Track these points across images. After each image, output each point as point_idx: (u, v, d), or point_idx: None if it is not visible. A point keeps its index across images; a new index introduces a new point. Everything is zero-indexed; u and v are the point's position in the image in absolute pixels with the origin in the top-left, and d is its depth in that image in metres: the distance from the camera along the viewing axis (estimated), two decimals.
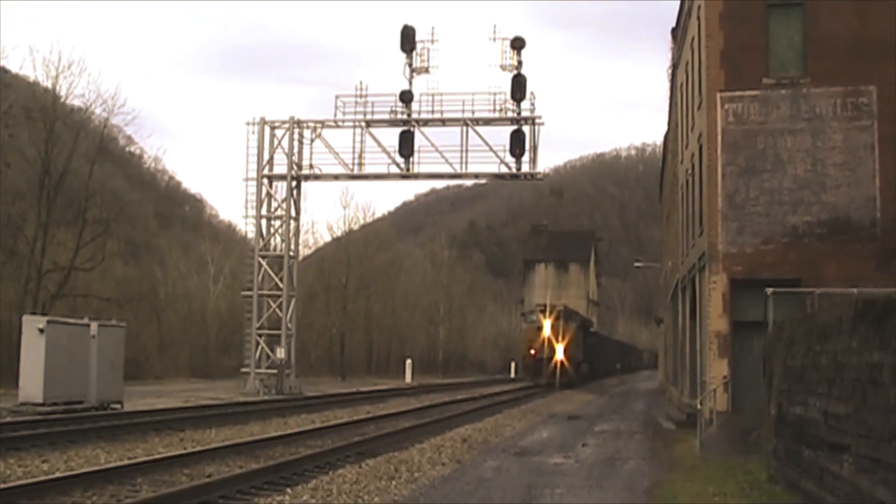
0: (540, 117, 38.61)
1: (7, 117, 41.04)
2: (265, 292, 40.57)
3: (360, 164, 40.03)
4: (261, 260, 40.61)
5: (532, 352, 54.96)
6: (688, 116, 30.61)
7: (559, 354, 52.92)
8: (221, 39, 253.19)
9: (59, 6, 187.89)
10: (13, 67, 53.41)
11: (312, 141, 41.00)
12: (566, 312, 57.02)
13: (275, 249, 41.58)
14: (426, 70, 39.78)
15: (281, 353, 39.16)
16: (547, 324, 54.34)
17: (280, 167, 41.19)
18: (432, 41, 39.93)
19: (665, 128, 50.60)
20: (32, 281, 40.90)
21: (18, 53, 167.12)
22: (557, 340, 53.37)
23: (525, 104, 38.85)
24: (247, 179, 41.26)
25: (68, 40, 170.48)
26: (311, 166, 41.15)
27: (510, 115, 38.87)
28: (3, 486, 11.96)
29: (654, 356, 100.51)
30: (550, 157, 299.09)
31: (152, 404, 28.81)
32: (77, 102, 46.11)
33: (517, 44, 39.30)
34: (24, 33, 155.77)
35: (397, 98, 39.73)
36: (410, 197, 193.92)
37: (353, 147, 39.94)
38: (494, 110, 38.85)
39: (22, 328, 25.07)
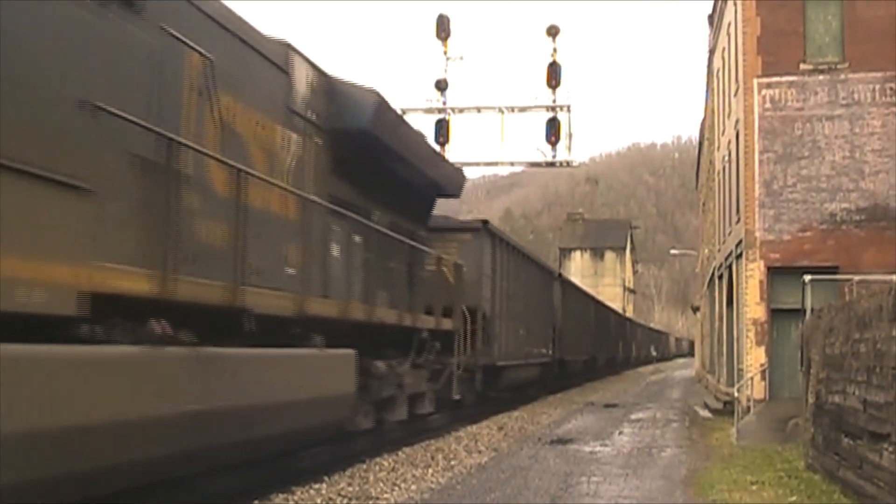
0: (575, 105, 38.54)
1: None
2: None
3: None
4: None
5: None
6: (724, 103, 30.38)
7: None
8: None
9: None
10: None
11: None
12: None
13: None
14: (461, 58, 39.76)
15: None
16: None
17: None
18: (468, 29, 39.99)
19: (701, 115, 50.24)
20: None
21: None
22: None
23: (560, 92, 38.72)
24: None
25: None
26: None
27: (545, 102, 38.78)
28: None
29: (690, 343, 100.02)
30: (586, 145, 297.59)
31: None
32: None
33: (552, 31, 39.11)
34: None
35: (433, 86, 39.78)
36: None
37: None
38: (530, 98, 38.80)
39: None
